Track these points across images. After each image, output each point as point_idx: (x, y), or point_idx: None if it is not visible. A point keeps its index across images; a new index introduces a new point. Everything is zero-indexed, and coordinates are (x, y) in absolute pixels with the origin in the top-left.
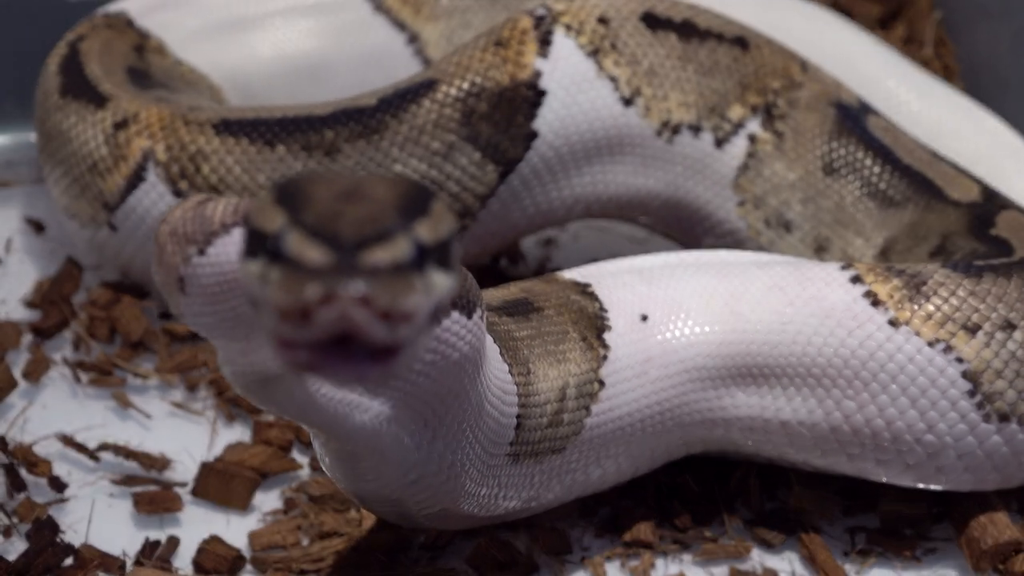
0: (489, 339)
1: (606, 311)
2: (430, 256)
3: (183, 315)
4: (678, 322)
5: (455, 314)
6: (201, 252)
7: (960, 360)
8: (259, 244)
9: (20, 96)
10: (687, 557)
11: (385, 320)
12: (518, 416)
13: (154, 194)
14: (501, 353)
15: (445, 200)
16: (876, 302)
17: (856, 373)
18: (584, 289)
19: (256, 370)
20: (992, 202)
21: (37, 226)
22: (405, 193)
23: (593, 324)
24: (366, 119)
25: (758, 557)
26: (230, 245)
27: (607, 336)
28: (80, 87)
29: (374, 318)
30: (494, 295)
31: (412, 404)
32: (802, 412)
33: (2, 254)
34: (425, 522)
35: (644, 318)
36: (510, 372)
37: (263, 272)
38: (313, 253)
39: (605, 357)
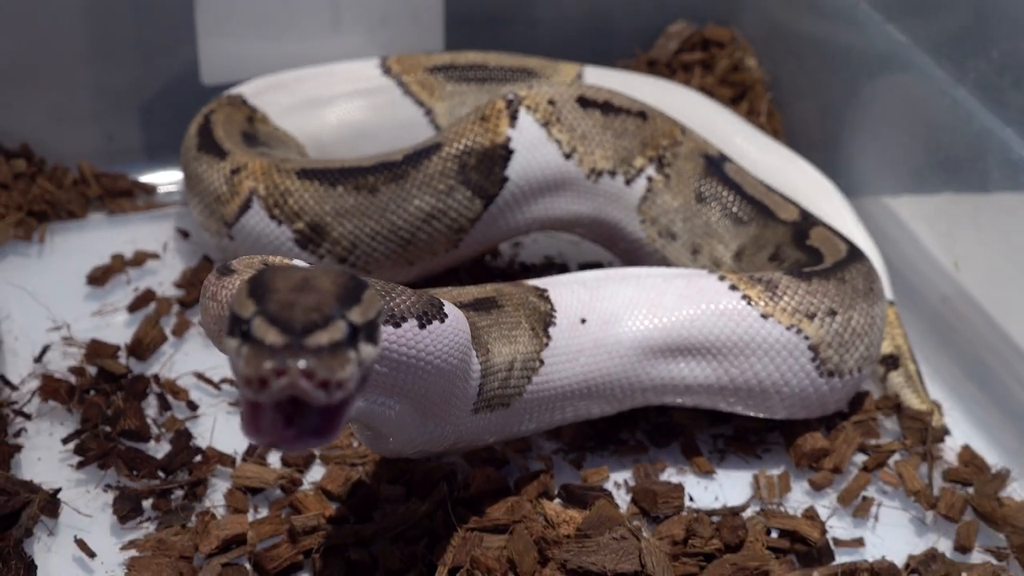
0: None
1: (555, 312)
2: (360, 333)
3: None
4: (608, 327)
5: (387, 328)
6: None
7: (807, 337)
8: (237, 325)
9: (174, 149)
10: (606, 453)
11: (323, 388)
12: (480, 384)
13: (257, 217)
14: (472, 342)
15: (377, 288)
16: (750, 302)
17: (741, 350)
18: (541, 294)
19: None
20: (807, 221)
21: (184, 234)
22: (344, 285)
23: (543, 320)
24: (395, 168)
25: (653, 453)
26: None
27: (551, 330)
28: (210, 145)
29: (314, 386)
30: (472, 292)
31: (406, 399)
32: (700, 377)
33: (161, 252)
34: (415, 456)
35: (583, 321)
36: (477, 356)
37: (238, 347)
38: (271, 336)
39: (547, 344)
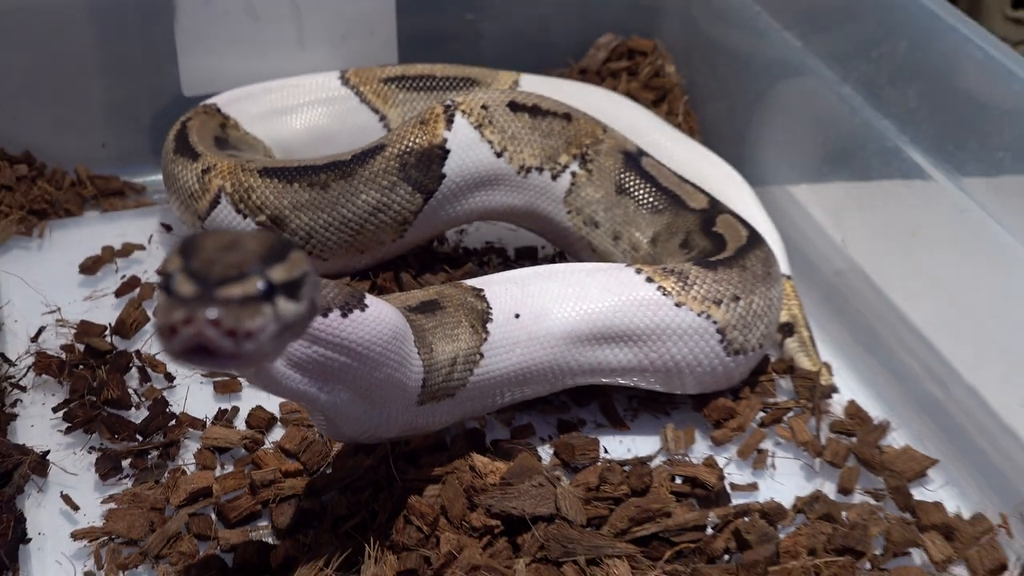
0: (411, 339)
1: (491, 309)
2: (280, 291)
3: None
4: (540, 320)
5: (319, 317)
6: None
7: (715, 322)
8: (162, 281)
9: (160, 153)
10: (534, 412)
11: (231, 336)
12: (423, 379)
13: (226, 211)
14: (415, 342)
15: (304, 250)
16: (665, 293)
17: (659, 336)
18: (478, 293)
19: None
20: (714, 209)
21: (167, 228)
22: (271, 246)
23: (480, 317)
24: (344, 167)
25: (575, 411)
26: None
27: (489, 326)
28: (185, 148)
29: (222, 335)
30: (416, 295)
31: (341, 385)
32: (624, 361)
33: (146, 244)
34: (368, 442)
35: (517, 316)
36: (419, 354)
37: (161, 302)
38: (185, 288)
39: (485, 339)
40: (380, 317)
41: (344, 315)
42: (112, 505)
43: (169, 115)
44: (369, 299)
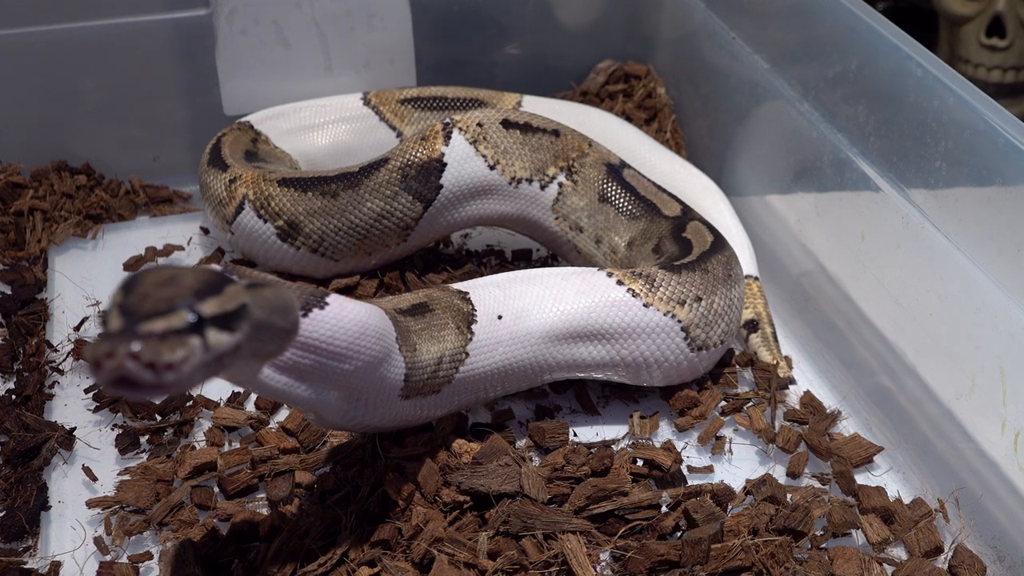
0: (392, 337)
1: (476, 311)
2: (211, 323)
3: None
4: (520, 321)
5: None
6: None
7: (679, 321)
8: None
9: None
10: (515, 398)
11: (151, 369)
12: (405, 375)
13: (249, 217)
14: (397, 339)
15: (244, 283)
16: (634, 295)
17: (628, 334)
18: (464, 296)
19: None
20: (686, 216)
21: (205, 231)
22: (206, 280)
23: (466, 318)
24: (352, 178)
25: (552, 398)
26: None
27: (474, 327)
28: (217, 160)
29: (141, 367)
30: (408, 299)
31: (314, 379)
32: (596, 357)
33: (185, 245)
34: (356, 431)
35: (499, 317)
36: (400, 351)
37: (96, 337)
38: (114, 323)
39: (470, 339)
40: (342, 314)
41: (304, 314)
42: (126, 477)
43: (212, 132)
44: (331, 298)
